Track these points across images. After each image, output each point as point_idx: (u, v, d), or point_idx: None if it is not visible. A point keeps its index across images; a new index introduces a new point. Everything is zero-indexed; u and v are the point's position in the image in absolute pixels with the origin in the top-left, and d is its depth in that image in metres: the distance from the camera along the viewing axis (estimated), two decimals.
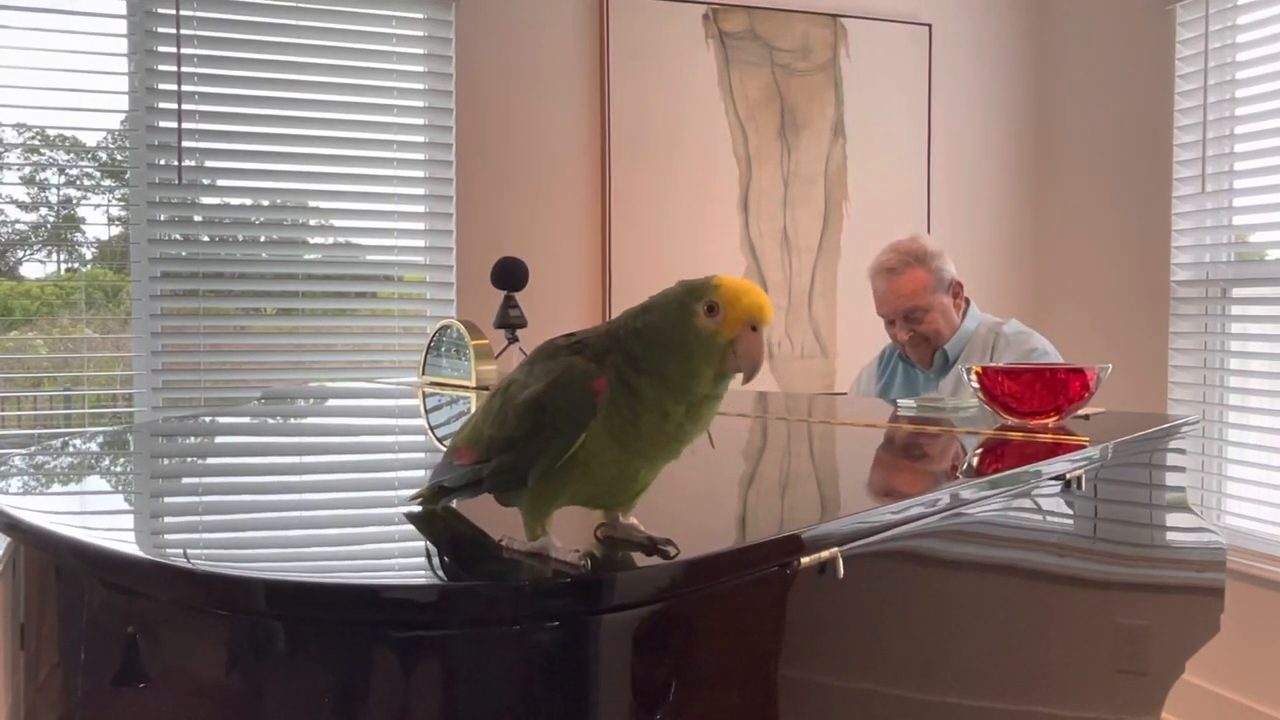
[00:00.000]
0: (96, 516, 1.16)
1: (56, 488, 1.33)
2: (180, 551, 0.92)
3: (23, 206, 3.05)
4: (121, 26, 2.93)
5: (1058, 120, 3.71)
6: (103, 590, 0.89)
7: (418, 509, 0.93)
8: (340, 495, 1.22)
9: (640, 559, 0.79)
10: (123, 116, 3.02)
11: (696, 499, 1.07)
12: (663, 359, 0.74)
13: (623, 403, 0.74)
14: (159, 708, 0.84)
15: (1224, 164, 3.10)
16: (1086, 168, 3.57)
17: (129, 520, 1.13)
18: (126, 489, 1.34)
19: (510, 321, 2.26)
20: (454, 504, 0.93)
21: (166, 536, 1.04)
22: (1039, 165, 3.78)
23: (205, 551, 0.93)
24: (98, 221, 3.17)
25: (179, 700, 0.83)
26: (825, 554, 0.86)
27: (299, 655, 0.76)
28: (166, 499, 1.25)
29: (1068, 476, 1.29)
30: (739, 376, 0.74)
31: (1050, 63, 3.74)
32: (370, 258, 3.26)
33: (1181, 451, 1.70)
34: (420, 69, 3.20)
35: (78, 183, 3.12)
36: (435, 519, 0.92)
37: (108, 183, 3.15)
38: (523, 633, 0.73)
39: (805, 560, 0.85)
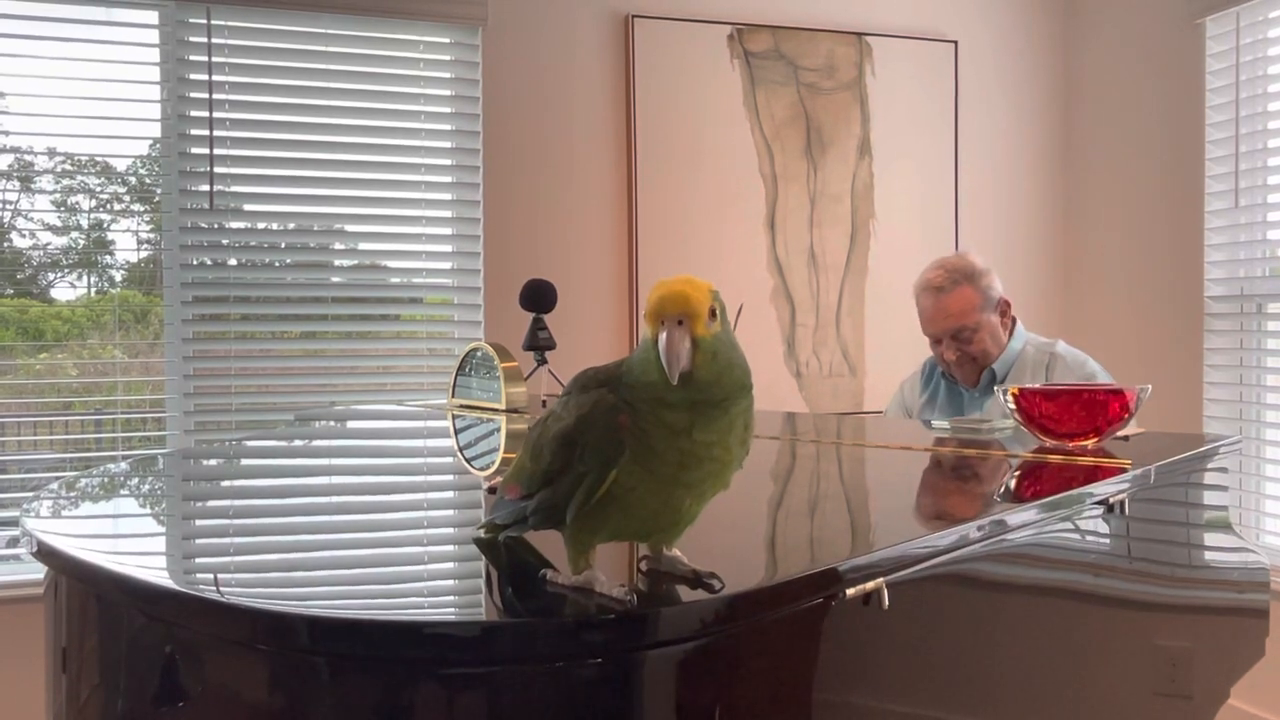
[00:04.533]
0: (131, 540, 1.16)
1: (93, 515, 1.34)
2: (212, 578, 0.92)
3: (54, 230, 3.08)
4: (154, 55, 2.97)
5: (1087, 136, 3.68)
6: (142, 617, 0.89)
7: (483, 535, 0.93)
8: (374, 517, 1.21)
9: (685, 593, 0.78)
10: (153, 142, 3.05)
11: (735, 527, 1.06)
12: (633, 369, 0.75)
13: (635, 425, 0.74)
14: None
15: (1257, 178, 3.06)
16: (1117, 183, 3.54)
17: (166, 549, 1.13)
18: (161, 517, 1.34)
19: (539, 343, 2.25)
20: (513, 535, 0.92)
21: (198, 560, 1.04)
22: (1068, 181, 3.75)
23: (240, 576, 0.93)
24: (127, 247, 3.20)
25: None
26: (870, 585, 0.85)
27: (340, 688, 0.75)
28: (200, 523, 1.25)
29: (1111, 500, 1.27)
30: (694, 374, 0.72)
31: (1078, 78, 3.71)
32: (398, 280, 3.28)
33: (1223, 470, 1.67)
34: (447, 92, 3.22)
35: (108, 206, 3.16)
36: (487, 550, 0.92)
37: (137, 206, 3.18)
38: (566, 668, 0.72)
39: (851, 592, 0.83)
